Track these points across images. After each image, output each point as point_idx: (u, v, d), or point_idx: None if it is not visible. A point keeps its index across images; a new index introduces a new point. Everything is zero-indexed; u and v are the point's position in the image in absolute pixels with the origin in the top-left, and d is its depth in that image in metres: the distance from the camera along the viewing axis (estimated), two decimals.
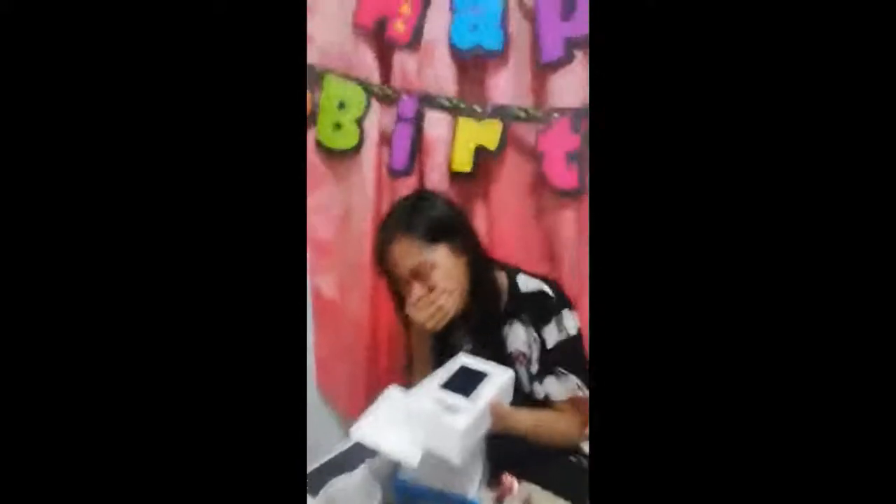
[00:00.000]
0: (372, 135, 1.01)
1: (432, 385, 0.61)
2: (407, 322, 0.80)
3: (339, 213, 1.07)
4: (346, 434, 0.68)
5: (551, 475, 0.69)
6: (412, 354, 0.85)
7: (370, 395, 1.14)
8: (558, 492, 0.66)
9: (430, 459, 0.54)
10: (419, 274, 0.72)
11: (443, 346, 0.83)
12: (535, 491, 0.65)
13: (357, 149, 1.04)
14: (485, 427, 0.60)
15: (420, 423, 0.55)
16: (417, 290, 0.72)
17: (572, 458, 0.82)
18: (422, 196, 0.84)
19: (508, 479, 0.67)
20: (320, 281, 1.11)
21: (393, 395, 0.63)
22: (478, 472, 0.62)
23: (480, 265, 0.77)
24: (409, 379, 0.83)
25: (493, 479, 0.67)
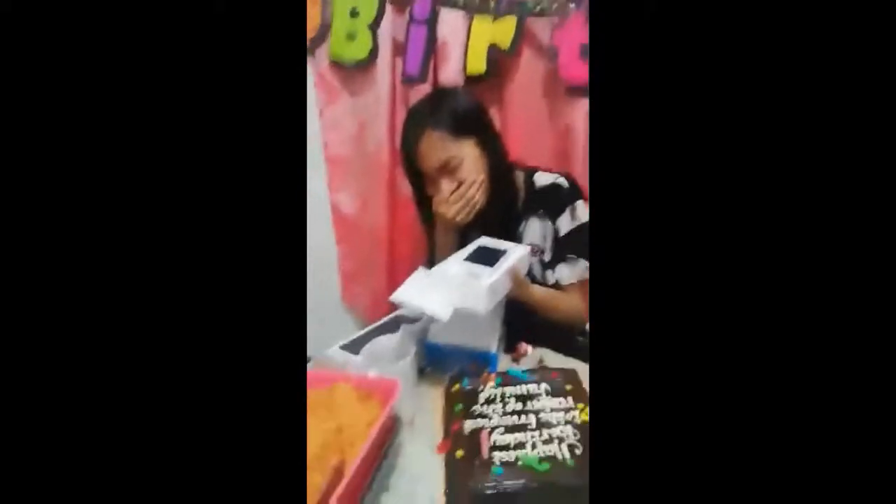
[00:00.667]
0: (385, 43, 1.01)
1: (458, 258, 0.68)
2: (430, 224, 0.85)
3: (353, 127, 1.10)
4: None
5: (561, 345, 0.79)
6: (434, 257, 0.91)
7: (393, 306, 1.25)
8: (566, 354, 0.75)
9: (458, 319, 0.62)
10: (447, 169, 0.76)
11: (463, 245, 0.89)
12: (546, 353, 0.75)
13: (371, 59, 1.04)
14: (506, 289, 0.68)
15: (450, 285, 0.63)
16: (446, 185, 0.76)
17: (580, 338, 0.91)
18: (442, 91, 0.86)
19: (523, 346, 0.76)
20: (339, 197, 1.16)
21: (422, 272, 0.71)
22: (496, 333, 0.72)
23: (500, 161, 0.81)
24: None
25: (509, 346, 0.76)
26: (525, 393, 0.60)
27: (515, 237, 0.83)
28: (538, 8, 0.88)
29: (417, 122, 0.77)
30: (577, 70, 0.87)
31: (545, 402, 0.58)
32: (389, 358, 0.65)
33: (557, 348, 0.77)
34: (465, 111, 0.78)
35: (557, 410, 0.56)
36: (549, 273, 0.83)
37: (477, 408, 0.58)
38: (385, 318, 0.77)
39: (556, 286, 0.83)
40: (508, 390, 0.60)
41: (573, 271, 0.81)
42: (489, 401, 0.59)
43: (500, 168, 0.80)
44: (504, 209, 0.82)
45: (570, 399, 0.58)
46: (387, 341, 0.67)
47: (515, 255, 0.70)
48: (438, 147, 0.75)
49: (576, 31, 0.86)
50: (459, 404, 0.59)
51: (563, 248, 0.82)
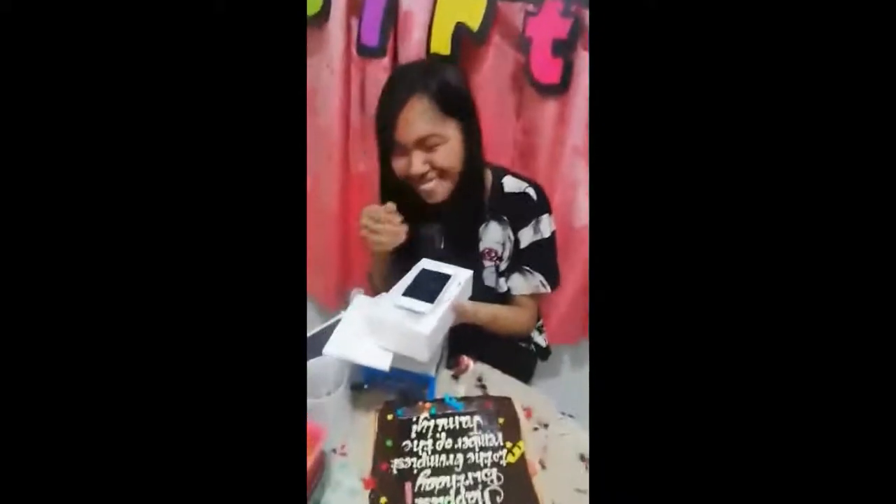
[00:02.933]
0: (339, 2, 0.88)
1: (397, 293, 0.64)
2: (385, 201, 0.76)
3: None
4: (322, 322, 0.75)
5: (504, 358, 0.79)
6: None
7: (341, 286, 1.21)
8: (507, 371, 0.76)
9: (396, 358, 0.61)
10: (426, 145, 0.68)
11: (416, 239, 0.84)
12: (486, 370, 0.75)
13: (321, 18, 0.91)
14: (448, 324, 0.66)
15: (387, 330, 0.60)
16: (418, 162, 0.68)
17: (522, 345, 0.93)
18: (436, 60, 0.77)
19: (465, 360, 0.76)
20: None
21: (359, 304, 0.67)
22: (437, 357, 0.71)
23: (476, 156, 0.74)
24: (378, 273, 0.86)
25: (451, 359, 0.76)
26: (457, 427, 0.60)
27: (473, 238, 0.80)
28: None
29: (405, 86, 0.68)
30: (549, 67, 0.80)
31: (475, 439, 0.59)
32: (326, 386, 0.63)
33: (499, 360, 0.78)
34: (457, 89, 0.69)
35: (486, 450, 0.57)
36: (501, 281, 0.82)
37: (408, 443, 0.58)
38: (315, 330, 0.73)
39: (507, 294, 0.82)
40: (441, 423, 0.61)
41: (527, 283, 0.80)
42: (421, 435, 0.59)
43: (474, 163, 0.74)
44: (470, 208, 0.77)
45: (500, 436, 0.59)
46: (319, 362, 0.65)
47: (458, 283, 0.67)
48: (423, 118, 0.67)
49: (549, 24, 0.77)
50: (390, 440, 0.59)
51: (520, 260, 0.80)
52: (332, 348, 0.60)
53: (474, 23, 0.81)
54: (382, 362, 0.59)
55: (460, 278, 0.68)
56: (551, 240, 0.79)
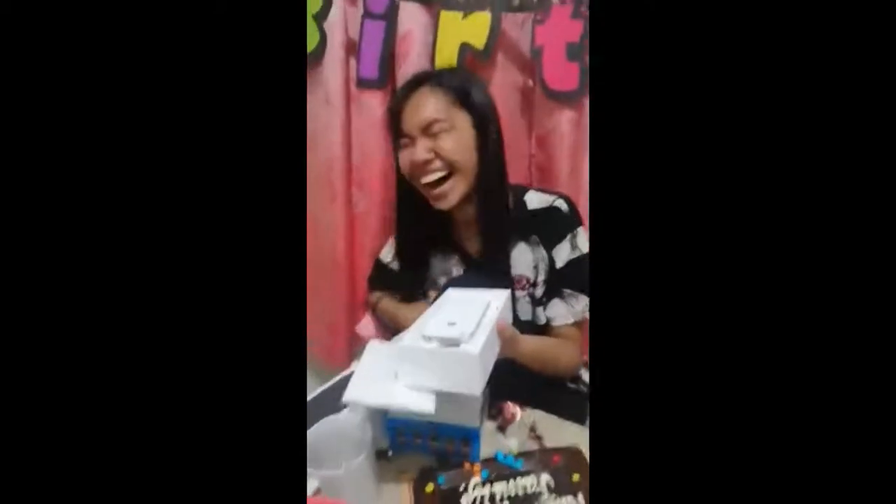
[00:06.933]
0: (336, 38, 0.85)
1: (425, 324, 0.51)
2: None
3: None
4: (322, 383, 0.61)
5: (553, 402, 0.65)
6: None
7: (349, 334, 1.08)
8: (562, 416, 0.62)
9: (439, 399, 0.47)
10: (429, 131, 0.63)
11: (436, 271, 0.75)
12: (539, 416, 0.61)
13: (318, 55, 0.88)
14: (495, 352, 0.53)
15: (423, 364, 0.46)
16: (421, 149, 0.63)
17: (571, 386, 0.78)
18: (464, 71, 0.75)
19: (510, 408, 0.62)
20: None
21: (375, 350, 0.54)
22: (479, 402, 0.56)
23: (495, 169, 0.66)
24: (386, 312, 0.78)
25: (492, 408, 0.62)
26: (522, 493, 0.45)
27: (503, 265, 0.69)
28: (517, 2, 0.76)
29: (418, 79, 0.66)
30: (564, 73, 0.75)
31: None
32: (342, 455, 0.48)
33: (548, 404, 0.64)
34: (474, 86, 0.65)
35: None
36: (539, 311, 0.70)
37: None
38: (326, 385, 0.60)
39: (547, 326, 0.70)
40: (500, 489, 0.46)
41: (571, 310, 0.68)
42: None
43: (493, 179, 0.66)
44: (496, 230, 0.68)
45: (580, 498, 0.44)
46: (338, 425, 0.50)
47: (498, 304, 0.55)
48: (429, 103, 0.62)
49: (561, 28, 0.74)
50: None
51: (559, 282, 0.68)
52: (355, 394, 0.47)
53: (479, 42, 0.78)
54: (425, 405, 0.45)
55: (498, 299, 0.56)
56: (589, 256, 0.68)
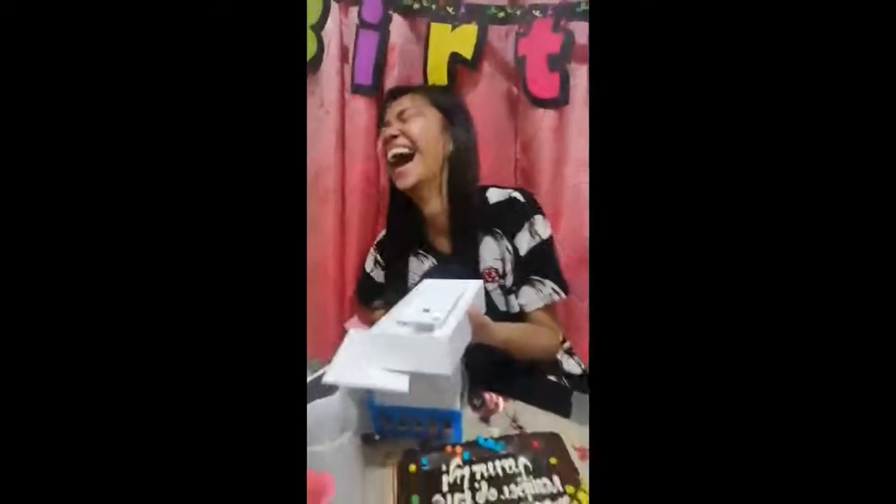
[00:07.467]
0: (332, 47, 0.89)
1: (401, 311, 0.54)
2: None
3: None
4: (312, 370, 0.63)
5: (533, 392, 0.67)
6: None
7: (338, 330, 1.09)
8: (545, 408, 0.64)
9: (413, 381, 0.49)
10: (402, 116, 0.74)
11: (414, 274, 0.78)
12: (521, 408, 0.63)
13: (315, 63, 0.92)
14: (467, 338, 0.55)
15: (397, 347, 0.49)
16: (392, 128, 0.73)
17: (552, 378, 0.80)
18: (451, 92, 0.84)
19: (491, 397, 0.64)
20: None
21: (356, 335, 0.57)
22: (458, 385, 0.58)
23: (466, 173, 0.74)
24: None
25: (474, 397, 0.64)
26: (500, 474, 0.47)
27: (474, 260, 0.73)
28: (501, 14, 0.80)
29: (404, 89, 0.78)
30: (546, 82, 0.79)
31: (526, 487, 0.45)
32: (329, 432, 0.50)
33: (529, 396, 0.66)
34: (455, 103, 0.77)
35: (542, 498, 0.44)
36: (511, 299, 0.73)
37: (440, 499, 0.45)
38: (320, 372, 0.61)
39: (521, 313, 0.73)
40: (479, 470, 0.48)
41: (539, 295, 0.71)
42: (454, 487, 0.46)
43: (460, 177, 0.73)
44: (464, 226, 0.73)
45: (556, 480, 0.46)
46: (321, 408, 0.52)
47: (470, 292, 0.57)
48: (407, 98, 0.75)
49: (541, 41, 0.78)
50: (416, 496, 0.45)
51: (524, 270, 0.72)
52: (334, 375, 0.49)
53: (467, 51, 0.82)
54: (399, 384, 0.47)
55: (471, 288, 0.59)
56: (550, 241, 0.73)
